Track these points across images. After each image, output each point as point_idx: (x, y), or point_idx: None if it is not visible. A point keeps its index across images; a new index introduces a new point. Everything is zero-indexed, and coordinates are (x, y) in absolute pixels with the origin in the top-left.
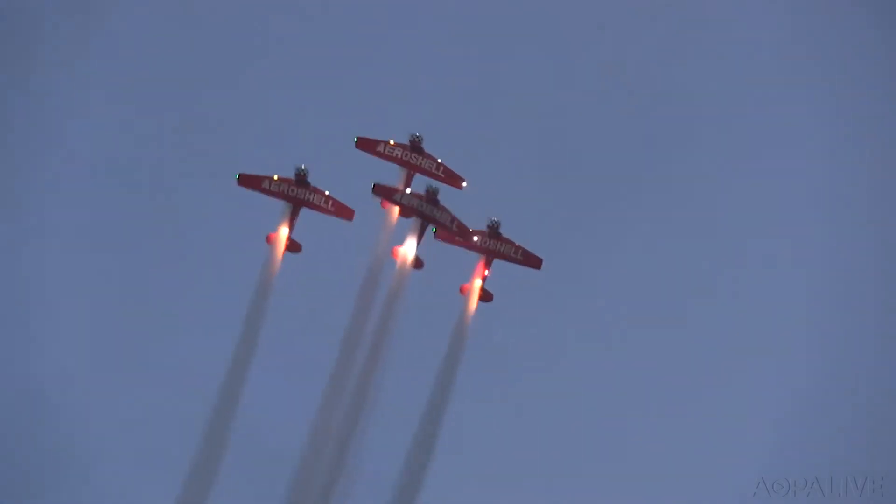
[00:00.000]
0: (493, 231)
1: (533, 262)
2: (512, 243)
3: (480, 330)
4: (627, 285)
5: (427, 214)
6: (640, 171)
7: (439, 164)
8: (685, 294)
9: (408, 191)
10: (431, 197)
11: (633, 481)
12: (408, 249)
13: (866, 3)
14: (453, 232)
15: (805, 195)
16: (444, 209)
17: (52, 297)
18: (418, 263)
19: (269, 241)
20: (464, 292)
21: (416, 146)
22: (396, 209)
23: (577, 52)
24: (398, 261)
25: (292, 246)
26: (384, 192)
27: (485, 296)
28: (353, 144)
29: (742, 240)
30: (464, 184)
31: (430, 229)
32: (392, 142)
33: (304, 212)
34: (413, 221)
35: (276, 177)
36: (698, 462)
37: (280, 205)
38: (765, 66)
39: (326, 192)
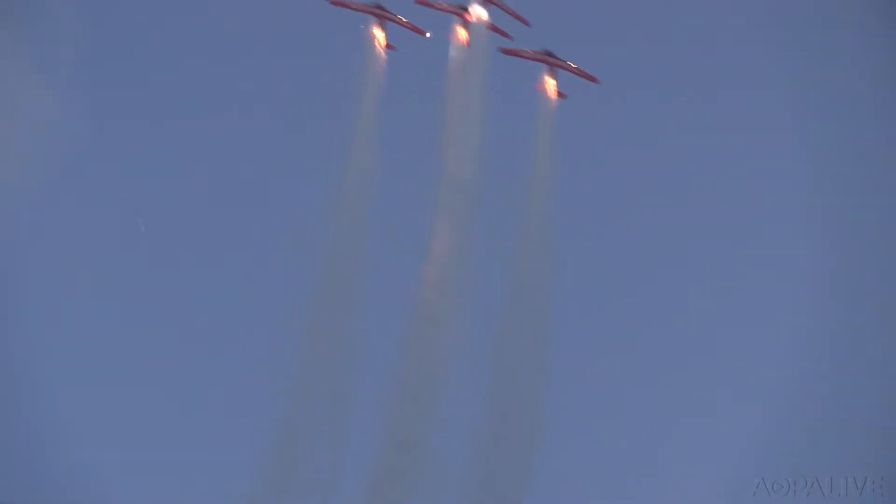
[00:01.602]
0: (549, 54)
1: (590, 79)
2: (568, 63)
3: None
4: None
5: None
6: None
7: None
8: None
9: None
10: None
11: (630, 480)
12: (479, 11)
13: None
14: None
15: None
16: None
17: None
18: (492, 27)
19: (366, 35)
20: (539, 88)
21: None
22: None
23: None
24: (473, 18)
25: (388, 45)
26: None
27: (560, 94)
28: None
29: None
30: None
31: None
32: None
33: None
34: None
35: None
36: (698, 461)
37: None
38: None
39: (403, 18)
